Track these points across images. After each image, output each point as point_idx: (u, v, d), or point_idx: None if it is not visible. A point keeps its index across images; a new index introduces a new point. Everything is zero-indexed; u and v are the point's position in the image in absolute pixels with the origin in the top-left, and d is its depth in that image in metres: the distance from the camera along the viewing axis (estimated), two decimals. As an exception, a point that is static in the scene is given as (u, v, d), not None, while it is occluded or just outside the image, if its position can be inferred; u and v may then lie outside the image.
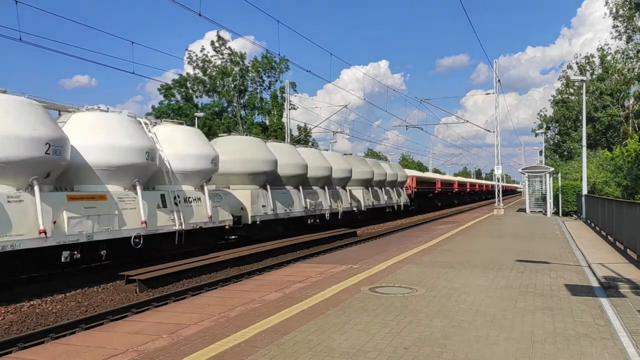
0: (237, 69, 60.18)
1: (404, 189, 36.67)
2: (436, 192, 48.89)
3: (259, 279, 10.71)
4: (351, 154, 31.39)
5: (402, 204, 34.50)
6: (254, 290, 8.65)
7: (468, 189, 69.17)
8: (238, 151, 18.24)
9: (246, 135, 23.71)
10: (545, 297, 7.77)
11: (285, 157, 20.21)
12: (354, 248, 17.51)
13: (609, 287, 8.51)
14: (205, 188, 15.24)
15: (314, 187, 22.56)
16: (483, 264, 10.98)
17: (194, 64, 59.50)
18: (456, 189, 60.18)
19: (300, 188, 20.92)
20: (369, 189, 28.95)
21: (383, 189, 31.35)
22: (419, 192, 41.14)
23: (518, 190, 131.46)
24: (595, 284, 8.96)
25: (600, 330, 6.04)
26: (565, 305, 7.25)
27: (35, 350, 6.17)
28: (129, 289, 11.28)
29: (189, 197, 14.56)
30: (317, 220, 22.67)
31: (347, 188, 26.23)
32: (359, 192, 27.12)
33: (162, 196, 13.76)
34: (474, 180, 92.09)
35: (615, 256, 12.31)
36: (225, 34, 61.17)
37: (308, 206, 21.25)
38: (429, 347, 5.39)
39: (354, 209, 25.52)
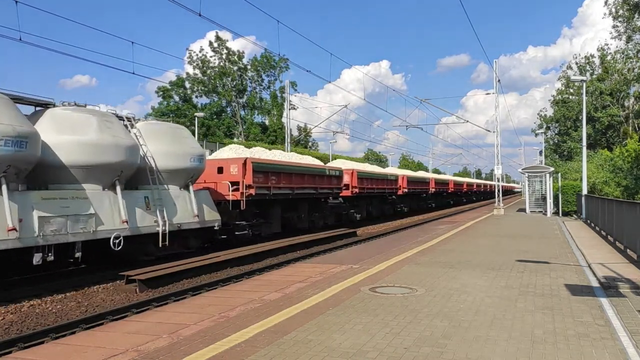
0: (235, 68, 60.19)
1: (203, 190, 16.37)
2: (357, 193, 27.20)
3: (258, 279, 10.71)
4: None
5: (161, 229, 13.40)
6: (254, 290, 8.65)
7: (432, 190, 44.57)
8: None
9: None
10: (545, 297, 7.77)
11: None
12: (354, 248, 17.51)
13: (609, 287, 8.52)
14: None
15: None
16: (483, 264, 10.98)
17: (194, 64, 59.56)
18: (404, 189, 35.75)
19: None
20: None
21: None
22: (263, 200, 18.75)
23: (515, 190, 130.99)
24: (595, 284, 8.96)
25: (600, 330, 6.04)
26: (565, 305, 7.25)
27: (35, 350, 6.17)
28: (129, 289, 11.28)
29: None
30: None
31: None
32: None
33: None
34: (446, 176, 62.79)
35: (615, 256, 12.31)
36: (226, 34, 61.31)
37: None
38: (429, 347, 5.39)
39: None
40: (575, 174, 38.35)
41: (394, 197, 35.43)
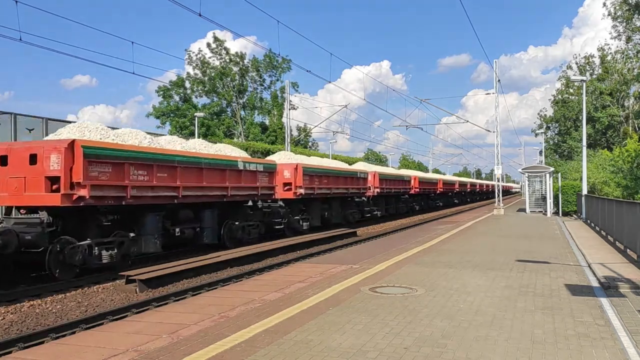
0: (236, 69, 60.23)
1: None
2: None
3: (259, 278, 10.71)
4: None
5: None
6: (254, 290, 8.65)
7: (375, 191, 29.71)
8: None
9: None
10: (545, 297, 7.78)
11: None
12: (354, 248, 17.52)
13: (609, 287, 8.52)
14: None
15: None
16: (483, 264, 10.98)
17: (194, 64, 59.62)
18: (298, 188, 20.48)
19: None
20: None
21: None
22: None
23: (513, 190, 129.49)
24: (595, 284, 8.96)
25: (600, 330, 6.04)
26: (565, 305, 7.25)
27: (35, 350, 6.17)
28: (129, 289, 11.27)
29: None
30: None
31: None
32: None
33: None
34: (405, 172, 43.46)
35: (615, 256, 12.31)
36: (226, 35, 61.39)
37: None
38: (429, 347, 5.39)
39: None
40: (575, 174, 38.37)
41: (279, 203, 20.26)
